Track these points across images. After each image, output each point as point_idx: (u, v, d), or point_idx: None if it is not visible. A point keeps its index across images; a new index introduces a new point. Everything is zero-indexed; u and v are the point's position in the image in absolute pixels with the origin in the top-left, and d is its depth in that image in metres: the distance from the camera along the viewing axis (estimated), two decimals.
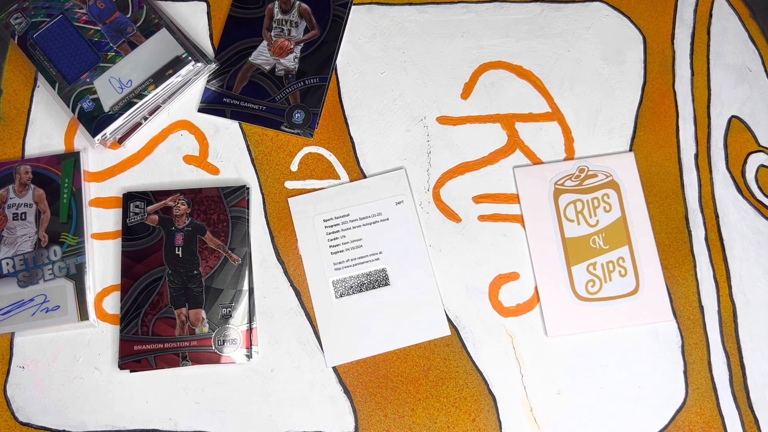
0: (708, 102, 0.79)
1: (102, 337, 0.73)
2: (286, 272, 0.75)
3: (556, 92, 0.79)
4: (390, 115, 0.79)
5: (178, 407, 0.72)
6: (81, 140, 0.78)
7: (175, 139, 0.79)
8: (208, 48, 0.81)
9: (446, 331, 0.73)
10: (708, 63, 0.80)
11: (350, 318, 0.73)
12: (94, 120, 0.75)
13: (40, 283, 0.73)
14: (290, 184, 0.77)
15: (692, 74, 0.80)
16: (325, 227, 0.75)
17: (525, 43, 0.81)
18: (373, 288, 0.74)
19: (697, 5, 0.82)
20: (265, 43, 0.80)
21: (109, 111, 0.75)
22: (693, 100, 0.79)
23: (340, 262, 0.74)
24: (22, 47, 0.77)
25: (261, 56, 0.80)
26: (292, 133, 0.78)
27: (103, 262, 0.75)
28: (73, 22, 0.77)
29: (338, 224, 0.75)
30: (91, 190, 0.77)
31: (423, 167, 0.77)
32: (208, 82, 0.80)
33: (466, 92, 0.79)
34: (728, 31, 0.81)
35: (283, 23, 0.81)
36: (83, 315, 0.72)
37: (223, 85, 0.79)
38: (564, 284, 0.73)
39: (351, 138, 0.78)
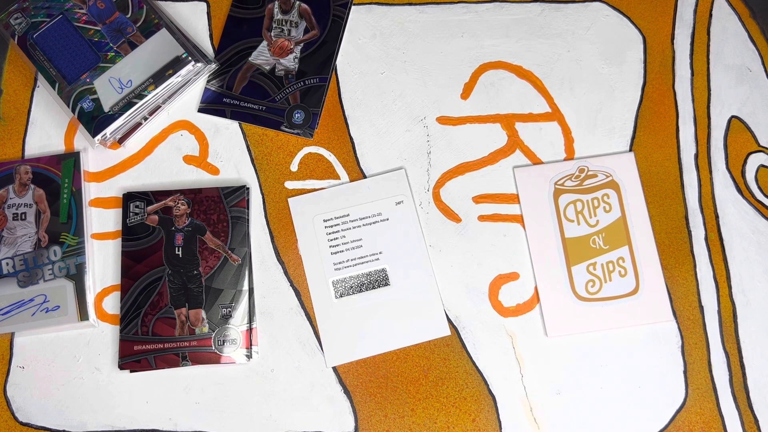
0: (708, 102, 0.79)
1: (102, 337, 0.73)
2: (286, 272, 0.75)
3: (556, 92, 0.79)
4: (390, 115, 0.79)
5: (178, 407, 0.72)
6: (81, 140, 0.78)
7: (175, 139, 0.79)
8: (208, 48, 0.81)
9: (446, 331, 0.73)
10: (708, 63, 0.80)
11: (350, 318, 0.73)
12: (94, 120, 0.75)
13: (40, 283, 0.73)
14: (290, 184, 0.77)
15: (692, 74, 0.80)
16: (325, 227, 0.75)
17: (525, 43, 0.81)
18: (373, 288, 0.74)
19: (697, 5, 0.82)
20: (265, 43, 0.80)
21: (109, 111, 0.75)
22: (693, 100, 0.79)
23: (340, 262, 0.74)
24: (22, 47, 0.77)
25: (261, 56, 0.80)
26: (292, 133, 0.78)
27: (103, 262, 0.75)
28: (73, 22, 0.77)
29: (338, 224, 0.75)
30: (91, 190, 0.77)
31: (423, 167, 0.77)
32: (208, 82, 0.80)
33: (466, 92, 0.79)
34: (728, 31, 0.81)
35: (283, 23, 0.81)
36: (83, 315, 0.72)
37: (223, 85, 0.79)
38: (564, 284, 0.73)
39: (351, 138, 0.78)
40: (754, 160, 0.77)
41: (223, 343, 0.72)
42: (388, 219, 0.75)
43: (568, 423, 0.71)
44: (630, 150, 0.77)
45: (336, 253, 0.75)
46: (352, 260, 0.74)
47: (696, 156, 0.77)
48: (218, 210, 0.75)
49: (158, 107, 0.78)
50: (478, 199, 0.77)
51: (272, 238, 0.76)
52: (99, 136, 0.75)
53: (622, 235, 0.74)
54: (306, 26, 0.81)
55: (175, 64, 0.76)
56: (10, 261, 0.73)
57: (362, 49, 0.81)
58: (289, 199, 0.77)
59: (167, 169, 0.78)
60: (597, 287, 0.73)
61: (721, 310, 0.73)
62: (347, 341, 0.73)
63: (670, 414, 0.71)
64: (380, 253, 0.74)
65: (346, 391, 0.72)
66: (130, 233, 0.74)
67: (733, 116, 0.78)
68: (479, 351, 0.73)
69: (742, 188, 0.76)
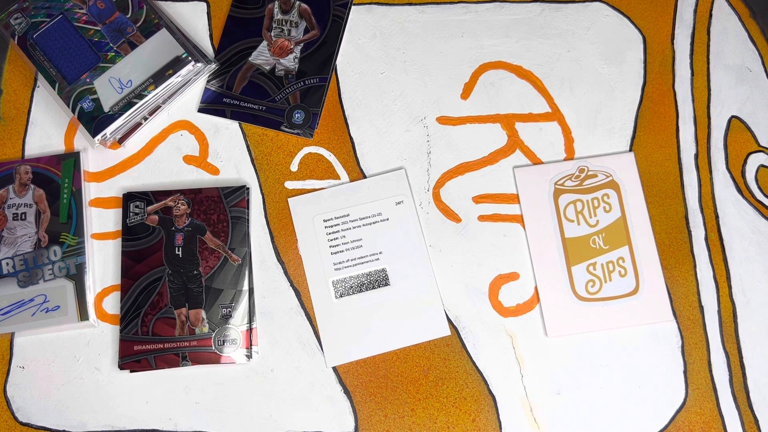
0: (708, 102, 0.79)
1: (102, 337, 0.73)
2: (286, 272, 0.75)
3: (556, 92, 0.79)
4: (390, 115, 0.79)
5: (178, 407, 0.72)
6: (81, 140, 0.78)
7: (175, 139, 0.79)
8: (208, 48, 0.81)
9: (446, 331, 0.73)
10: (708, 63, 0.80)
11: (350, 318, 0.73)
12: (94, 120, 0.75)
13: (40, 283, 0.73)
14: (290, 184, 0.77)
15: (692, 74, 0.80)
16: (325, 227, 0.75)
17: (525, 43, 0.81)
18: (373, 288, 0.74)
19: (697, 5, 0.82)
20: (265, 43, 0.80)
21: (109, 111, 0.75)
22: (693, 100, 0.79)
23: (340, 262, 0.74)
24: (22, 47, 0.77)
25: (261, 56, 0.80)
26: (292, 133, 0.78)
27: (103, 262, 0.75)
28: (73, 22, 0.77)
29: (338, 224, 0.75)
30: (91, 190, 0.77)
31: (423, 167, 0.77)
32: (208, 82, 0.80)
33: (466, 92, 0.79)
34: (728, 31, 0.81)
35: (283, 23, 0.81)
36: (83, 315, 0.72)
37: (223, 85, 0.79)
38: (564, 284, 0.73)
39: (351, 138, 0.78)
40: (754, 160, 0.77)
41: (223, 343, 0.72)
42: (388, 219, 0.75)
43: (568, 423, 0.71)
44: (630, 150, 0.77)
45: (336, 253, 0.75)
46: (352, 260, 0.74)
47: (696, 156, 0.77)
48: (218, 210, 0.75)
49: (158, 107, 0.78)
50: (478, 199, 0.77)
51: (272, 238, 0.76)
52: (99, 136, 0.75)
53: (622, 235, 0.74)
54: (306, 26, 0.81)
55: (175, 64, 0.76)
56: (10, 261, 0.73)
57: (362, 49, 0.81)
58: (289, 199, 0.77)
59: (167, 169, 0.78)
60: (597, 287, 0.73)
61: (721, 310, 0.73)
62: (347, 341, 0.73)
63: (670, 414, 0.71)
64: (380, 253, 0.74)
65: (346, 391, 0.72)
66: (130, 233, 0.74)
67: (733, 116, 0.78)
68: (479, 351, 0.73)
69: (742, 188, 0.76)
